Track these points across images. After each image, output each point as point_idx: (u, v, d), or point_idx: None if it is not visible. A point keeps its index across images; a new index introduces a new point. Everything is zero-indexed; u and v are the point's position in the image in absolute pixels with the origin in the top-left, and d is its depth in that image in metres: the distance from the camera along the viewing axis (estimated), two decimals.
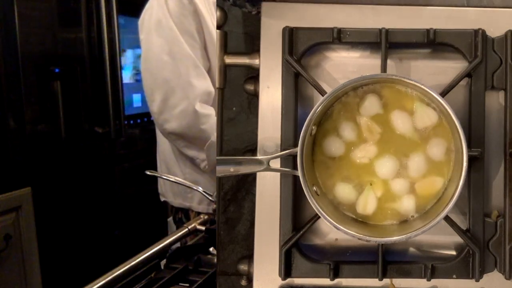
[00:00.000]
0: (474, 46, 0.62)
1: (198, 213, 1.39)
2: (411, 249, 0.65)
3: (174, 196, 1.46)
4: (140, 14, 1.39)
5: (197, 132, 1.29)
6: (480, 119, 0.62)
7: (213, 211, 1.14)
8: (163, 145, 1.46)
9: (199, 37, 1.29)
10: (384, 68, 0.62)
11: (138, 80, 2.32)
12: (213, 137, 1.28)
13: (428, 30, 0.62)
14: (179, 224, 1.47)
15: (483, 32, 0.62)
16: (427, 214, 0.60)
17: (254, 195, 0.65)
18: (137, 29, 1.41)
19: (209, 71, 1.32)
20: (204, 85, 1.28)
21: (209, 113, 1.28)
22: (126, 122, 2.15)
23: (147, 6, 1.36)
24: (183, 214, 1.44)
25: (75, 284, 0.82)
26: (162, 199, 1.50)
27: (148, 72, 1.32)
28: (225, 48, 0.67)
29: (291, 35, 0.63)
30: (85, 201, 1.98)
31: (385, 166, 0.61)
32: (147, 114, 2.24)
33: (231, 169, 0.62)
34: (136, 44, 2.27)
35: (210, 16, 1.30)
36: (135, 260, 0.88)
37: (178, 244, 1.04)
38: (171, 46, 1.26)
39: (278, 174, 0.63)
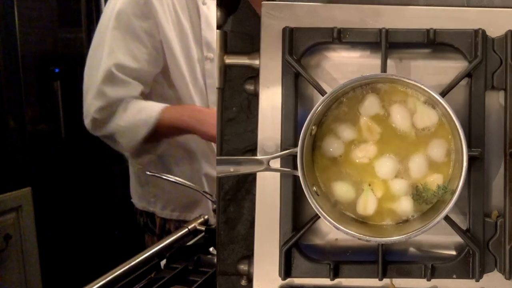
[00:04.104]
0: (474, 46, 0.62)
1: (164, 220, 1.34)
2: (411, 249, 0.65)
3: (138, 199, 1.39)
4: None
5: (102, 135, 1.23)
6: (480, 119, 0.62)
7: (213, 211, 1.14)
8: None
9: (150, 40, 1.20)
10: (384, 68, 0.62)
11: None
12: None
13: (428, 30, 0.62)
14: (144, 229, 1.40)
15: (483, 32, 0.62)
16: (427, 214, 0.60)
17: (254, 195, 0.65)
18: None
19: (159, 76, 1.25)
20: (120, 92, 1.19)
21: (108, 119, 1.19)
22: None
23: None
24: (149, 219, 1.38)
25: (75, 284, 0.82)
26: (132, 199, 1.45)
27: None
28: (225, 48, 0.67)
29: (291, 35, 0.63)
30: (85, 201, 1.98)
31: (385, 166, 0.61)
32: None
33: (231, 169, 0.62)
34: None
35: (168, 18, 1.21)
36: (135, 260, 0.88)
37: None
38: (101, 44, 1.19)
39: (278, 174, 0.63)
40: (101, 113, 1.18)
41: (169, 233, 1.29)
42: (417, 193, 0.61)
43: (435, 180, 0.61)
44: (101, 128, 1.20)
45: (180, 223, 1.29)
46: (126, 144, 1.21)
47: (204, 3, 1.26)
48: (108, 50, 1.17)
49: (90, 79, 1.21)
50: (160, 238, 1.30)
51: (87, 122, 1.21)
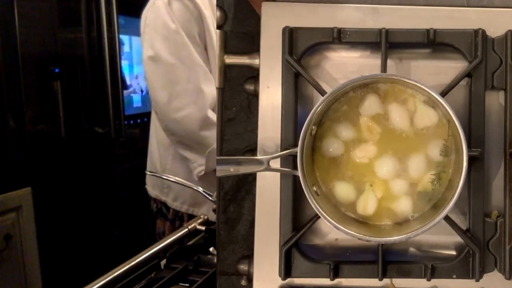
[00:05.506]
0: (474, 46, 0.62)
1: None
2: (411, 249, 0.65)
3: (152, 187, 1.48)
4: (140, 14, 1.39)
5: (199, 138, 1.29)
6: (480, 119, 0.62)
7: (213, 211, 1.14)
8: (152, 138, 1.47)
9: (201, 41, 1.29)
10: (384, 68, 0.62)
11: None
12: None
13: (428, 30, 0.62)
14: (157, 215, 1.47)
15: (483, 32, 0.62)
16: (427, 214, 0.60)
17: (254, 195, 0.65)
18: (137, 29, 1.41)
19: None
20: (213, 91, 1.29)
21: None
22: (126, 122, 2.15)
23: (150, 3, 1.35)
24: (163, 205, 1.45)
25: (75, 284, 0.82)
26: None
27: (152, 73, 1.31)
28: (225, 48, 0.67)
29: (291, 35, 0.63)
30: (85, 201, 1.98)
31: (385, 166, 0.61)
32: (147, 114, 2.24)
33: (231, 169, 0.62)
34: (136, 44, 2.27)
35: (213, 18, 1.30)
36: (135, 260, 0.88)
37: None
38: (179, 50, 1.26)
39: (278, 174, 0.63)
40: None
41: (181, 219, 1.38)
42: (419, 196, 0.61)
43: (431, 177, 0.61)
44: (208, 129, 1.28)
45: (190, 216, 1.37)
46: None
47: None
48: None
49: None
50: (173, 223, 1.40)
51: (196, 122, 1.27)
